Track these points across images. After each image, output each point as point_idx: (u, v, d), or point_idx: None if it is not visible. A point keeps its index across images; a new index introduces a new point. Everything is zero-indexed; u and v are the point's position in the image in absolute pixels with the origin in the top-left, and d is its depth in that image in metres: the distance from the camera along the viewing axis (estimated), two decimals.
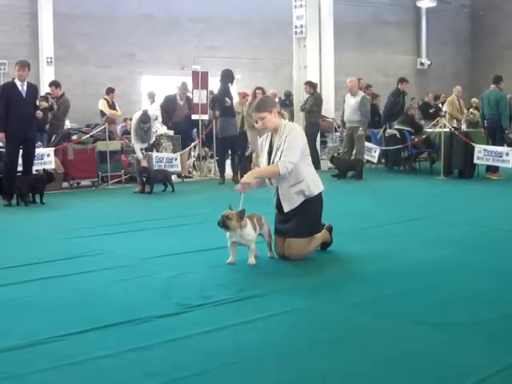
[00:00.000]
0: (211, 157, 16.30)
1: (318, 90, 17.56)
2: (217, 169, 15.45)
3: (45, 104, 14.09)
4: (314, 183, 6.88)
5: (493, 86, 15.39)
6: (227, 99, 14.49)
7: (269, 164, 6.88)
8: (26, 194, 11.32)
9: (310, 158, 7.03)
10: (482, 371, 3.91)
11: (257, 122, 7.07)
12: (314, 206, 6.87)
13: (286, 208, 6.83)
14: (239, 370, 4.01)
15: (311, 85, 16.90)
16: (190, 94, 16.40)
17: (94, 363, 4.11)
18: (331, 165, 17.03)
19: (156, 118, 14.20)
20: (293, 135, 6.76)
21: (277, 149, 6.79)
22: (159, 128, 15.63)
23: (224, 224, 6.47)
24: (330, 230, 7.20)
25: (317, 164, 17.05)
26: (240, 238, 6.57)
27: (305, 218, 6.80)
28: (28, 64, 11.67)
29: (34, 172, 11.88)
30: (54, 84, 15.83)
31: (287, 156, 6.67)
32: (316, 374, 3.93)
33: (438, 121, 16.76)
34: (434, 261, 6.81)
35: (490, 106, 15.18)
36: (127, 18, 23.73)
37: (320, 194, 6.93)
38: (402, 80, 17.72)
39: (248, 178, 6.77)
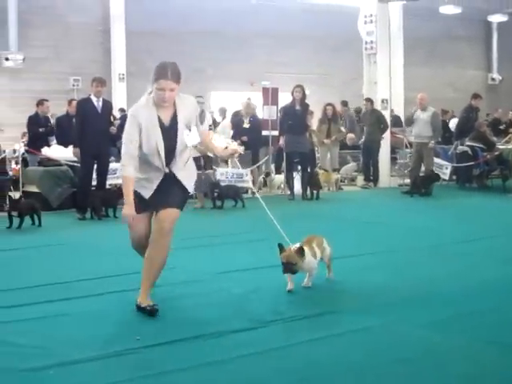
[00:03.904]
0: (279, 173, 16.29)
1: (388, 106, 17.48)
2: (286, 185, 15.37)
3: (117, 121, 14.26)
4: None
5: None
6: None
7: (171, 138, 5.91)
8: (99, 208, 11.51)
9: None
10: None
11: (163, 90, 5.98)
12: None
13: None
14: None
15: (369, 101, 17.00)
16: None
17: (166, 377, 4.16)
18: (401, 181, 16.94)
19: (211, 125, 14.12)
20: (194, 110, 6.14)
21: (188, 122, 6.03)
22: (229, 143, 15.61)
23: (291, 271, 6.10)
24: None
25: (375, 180, 16.98)
26: (300, 269, 6.23)
27: None
28: (105, 81, 12.08)
29: (107, 186, 12.09)
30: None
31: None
32: None
33: (510, 137, 16.51)
34: (506, 280, 6.69)
35: None
36: (197, 34, 24.05)
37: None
38: (476, 96, 17.42)
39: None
